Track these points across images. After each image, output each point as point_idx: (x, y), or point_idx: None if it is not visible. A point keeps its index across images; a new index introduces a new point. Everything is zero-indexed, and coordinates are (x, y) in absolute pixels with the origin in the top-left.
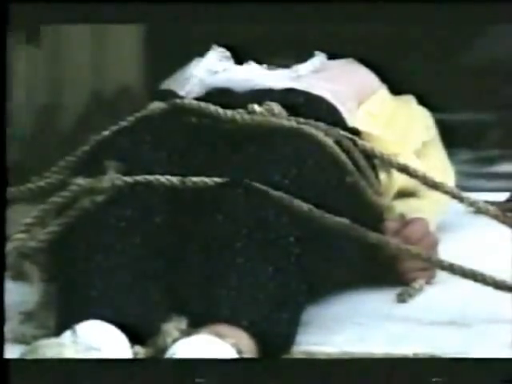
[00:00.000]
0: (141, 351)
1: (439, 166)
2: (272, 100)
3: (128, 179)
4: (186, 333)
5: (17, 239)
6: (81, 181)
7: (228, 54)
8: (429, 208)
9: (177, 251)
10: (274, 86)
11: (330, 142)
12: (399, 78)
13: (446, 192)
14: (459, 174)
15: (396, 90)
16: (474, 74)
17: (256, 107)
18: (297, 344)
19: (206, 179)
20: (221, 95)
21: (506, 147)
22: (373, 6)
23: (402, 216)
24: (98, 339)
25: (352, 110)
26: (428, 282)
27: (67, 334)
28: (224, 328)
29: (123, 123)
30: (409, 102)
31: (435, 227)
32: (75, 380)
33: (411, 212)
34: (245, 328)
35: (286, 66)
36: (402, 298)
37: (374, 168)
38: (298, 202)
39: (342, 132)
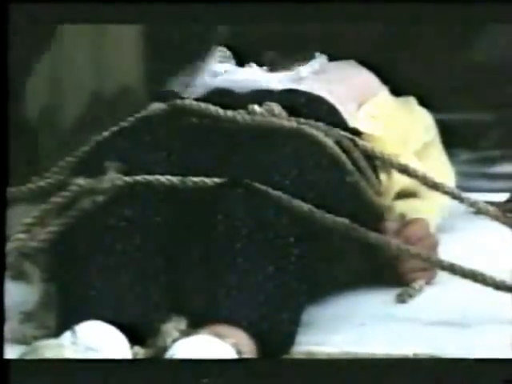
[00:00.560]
0: (140, 352)
1: (440, 167)
2: (272, 101)
3: (128, 179)
4: (186, 333)
5: (17, 239)
6: (81, 181)
7: (229, 54)
8: (429, 209)
9: (176, 251)
10: (274, 88)
11: (330, 142)
12: (400, 80)
13: (446, 192)
14: (459, 175)
15: (397, 91)
16: (474, 74)
17: (256, 108)
18: (297, 344)
19: (206, 179)
20: (222, 96)
21: (506, 147)
22: (373, 6)
23: (402, 216)
24: (98, 340)
25: (352, 112)
26: (428, 283)
27: (67, 334)
28: (224, 328)
29: (123, 124)
30: (410, 104)
31: (435, 228)
32: (75, 380)
33: (411, 212)
34: (245, 328)
35: (287, 67)
36: (401, 299)
37: (374, 168)
38: (297, 202)
39: (342, 132)
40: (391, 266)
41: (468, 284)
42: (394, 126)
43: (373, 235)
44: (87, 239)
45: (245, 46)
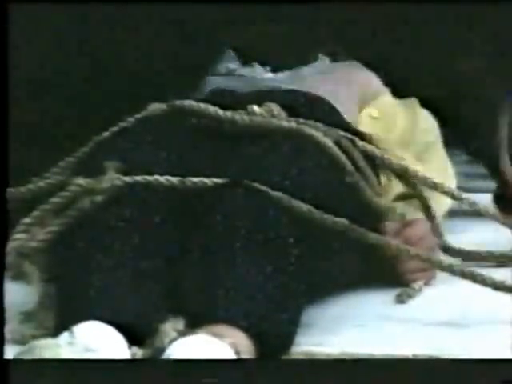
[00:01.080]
0: (138, 352)
1: (441, 168)
2: (273, 101)
3: (128, 179)
4: (184, 333)
5: (17, 239)
6: (81, 181)
7: (232, 54)
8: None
9: (176, 251)
10: (276, 88)
11: (329, 142)
12: (402, 81)
13: (446, 193)
14: (459, 175)
15: (399, 93)
16: (475, 74)
17: (255, 108)
18: (296, 344)
19: (206, 179)
20: (223, 96)
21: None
22: (373, 7)
23: (402, 217)
24: (96, 340)
25: (353, 113)
26: (428, 283)
27: (65, 334)
28: (222, 328)
29: (123, 124)
30: (412, 105)
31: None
32: (75, 381)
33: (411, 213)
34: (243, 328)
35: (290, 68)
36: (401, 299)
37: (374, 169)
38: (297, 203)
39: (341, 133)
40: (391, 267)
41: (467, 284)
42: (395, 127)
43: (372, 236)
44: (86, 239)
45: (248, 46)
